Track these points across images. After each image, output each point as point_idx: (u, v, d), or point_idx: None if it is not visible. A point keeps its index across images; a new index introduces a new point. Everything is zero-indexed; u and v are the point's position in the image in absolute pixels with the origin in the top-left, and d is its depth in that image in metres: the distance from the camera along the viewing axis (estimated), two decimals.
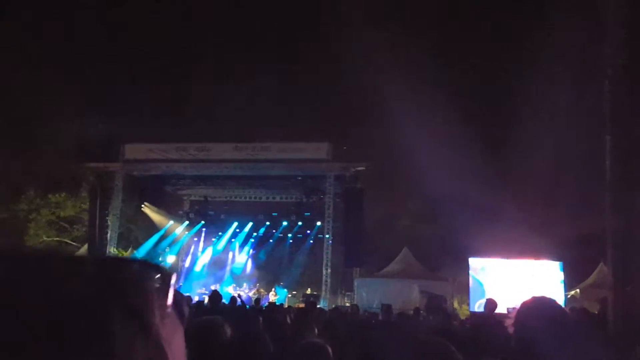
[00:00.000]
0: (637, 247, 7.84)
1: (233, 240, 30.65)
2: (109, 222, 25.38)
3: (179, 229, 28.99)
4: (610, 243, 7.98)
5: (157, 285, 0.67)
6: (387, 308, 14.18)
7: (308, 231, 28.61)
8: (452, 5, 33.51)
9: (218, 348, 3.17)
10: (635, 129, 8.20)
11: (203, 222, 29.38)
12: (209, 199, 29.29)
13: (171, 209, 29.43)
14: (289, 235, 29.63)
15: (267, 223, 29.11)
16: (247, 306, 15.44)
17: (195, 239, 30.64)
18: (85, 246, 25.70)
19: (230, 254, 31.45)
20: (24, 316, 0.54)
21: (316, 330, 6.91)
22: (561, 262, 21.28)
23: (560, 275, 20.88)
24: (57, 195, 29.83)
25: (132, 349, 0.60)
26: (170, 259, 29.29)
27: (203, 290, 25.60)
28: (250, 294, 25.37)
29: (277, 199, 28.96)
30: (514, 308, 2.99)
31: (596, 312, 11.47)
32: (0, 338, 0.53)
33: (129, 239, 29.31)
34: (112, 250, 25.23)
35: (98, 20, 33.26)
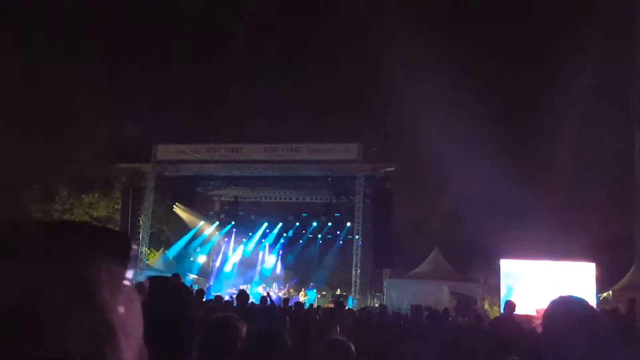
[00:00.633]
0: None
1: (263, 240, 30.75)
2: (141, 222, 25.63)
3: (210, 229, 29.20)
4: (638, 244, 7.88)
5: (113, 257, 0.65)
6: (416, 309, 14.14)
7: (338, 232, 28.56)
8: (483, 9, 33.18)
9: (232, 345, 3.20)
10: None
11: (233, 222, 29.53)
12: (239, 199, 29.43)
13: (202, 209, 29.67)
14: (319, 236, 29.59)
15: (297, 224, 29.11)
16: (277, 305, 15.51)
17: (226, 239, 30.81)
18: None
19: (260, 255, 31.58)
20: None
21: (339, 329, 6.93)
22: (594, 264, 20.99)
23: (593, 277, 20.59)
24: (90, 195, 30.25)
25: (68, 315, 0.59)
26: (201, 259, 29.53)
27: (233, 290, 25.75)
28: (280, 295, 25.44)
29: (307, 199, 29.01)
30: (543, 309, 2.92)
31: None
32: None
33: (160, 239, 29.62)
34: (144, 250, 25.52)
35: (130, 21, 33.75)
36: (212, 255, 30.52)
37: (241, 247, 30.93)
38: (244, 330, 3.39)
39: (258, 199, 29.72)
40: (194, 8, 37.29)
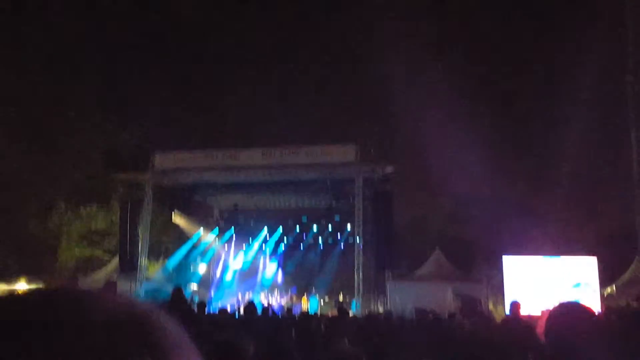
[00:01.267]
0: None
1: (263, 247, 30.61)
2: (140, 233, 25.39)
3: (210, 238, 29.03)
4: None
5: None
6: (421, 313, 13.99)
7: (338, 235, 28.46)
8: (482, 12, 33.06)
9: None
10: None
11: (233, 229, 29.38)
12: (239, 206, 29.28)
13: (201, 217, 29.46)
14: (320, 240, 29.49)
15: (297, 228, 29.00)
16: (279, 315, 15.36)
17: (226, 247, 30.66)
18: (117, 258, 25.83)
19: (261, 261, 31.44)
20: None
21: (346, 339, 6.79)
22: (596, 258, 20.92)
23: (596, 272, 20.53)
24: (88, 207, 30.08)
25: None
26: (202, 268, 29.35)
27: (234, 300, 25.60)
28: (282, 302, 25.29)
29: (307, 204, 28.85)
30: (547, 310, 2.95)
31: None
32: None
33: (159, 250, 29.42)
34: (143, 261, 25.32)
35: (124, 30, 33.64)
36: (212, 264, 30.34)
37: (241, 255, 30.80)
38: (251, 350, 3.31)
39: (257, 205, 29.55)
40: (190, 12, 37.22)
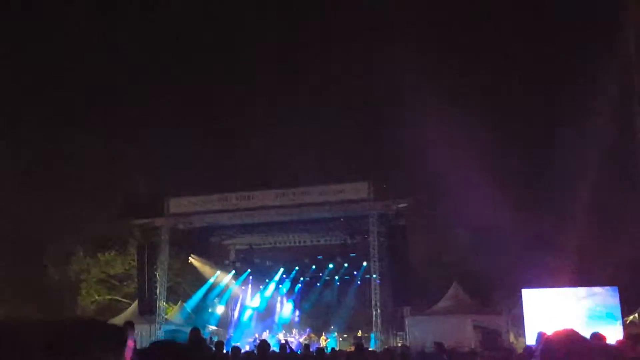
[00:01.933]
0: None
1: (280, 286, 30.57)
2: (158, 277, 25.55)
3: (227, 279, 29.07)
4: None
5: (110, 350, 0.71)
6: (438, 347, 13.90)
7: (355, 272, 28.37)
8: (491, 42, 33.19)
9: None
10: None
11: (249, 270, 29.40)
12: (254, 246, 29.36)
13: (217, 259, 29.56)
14: (336, 277, 29.39)
15: (313, 267, 28.94)
16: (298, 352, 15.31)
17: (243, 287, 30.66)
18: (136, 302, 25.92)
19: (279, 301, 31.35)
20: None
21: None
22: (617, 287, 20.69)
23: (617, 301, 20.29)
24: (106, 254, 30.30)
25: None
26: (220, 310, 29.34)
27: (252, 339, 25.54)
28: (301, 340, 25.17)
29: (322, 241, 28.85)
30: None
31: None
32: None
33: (177, 292, 29.50)
34: (162, 304, 25.41)
35: (136, 75, 34.30)
36: (230, 304, 30.31)
37: (258, 295, 30.77)
38: None
39: (273, 245, 29.59)
40: (200, 55, 37.85)
